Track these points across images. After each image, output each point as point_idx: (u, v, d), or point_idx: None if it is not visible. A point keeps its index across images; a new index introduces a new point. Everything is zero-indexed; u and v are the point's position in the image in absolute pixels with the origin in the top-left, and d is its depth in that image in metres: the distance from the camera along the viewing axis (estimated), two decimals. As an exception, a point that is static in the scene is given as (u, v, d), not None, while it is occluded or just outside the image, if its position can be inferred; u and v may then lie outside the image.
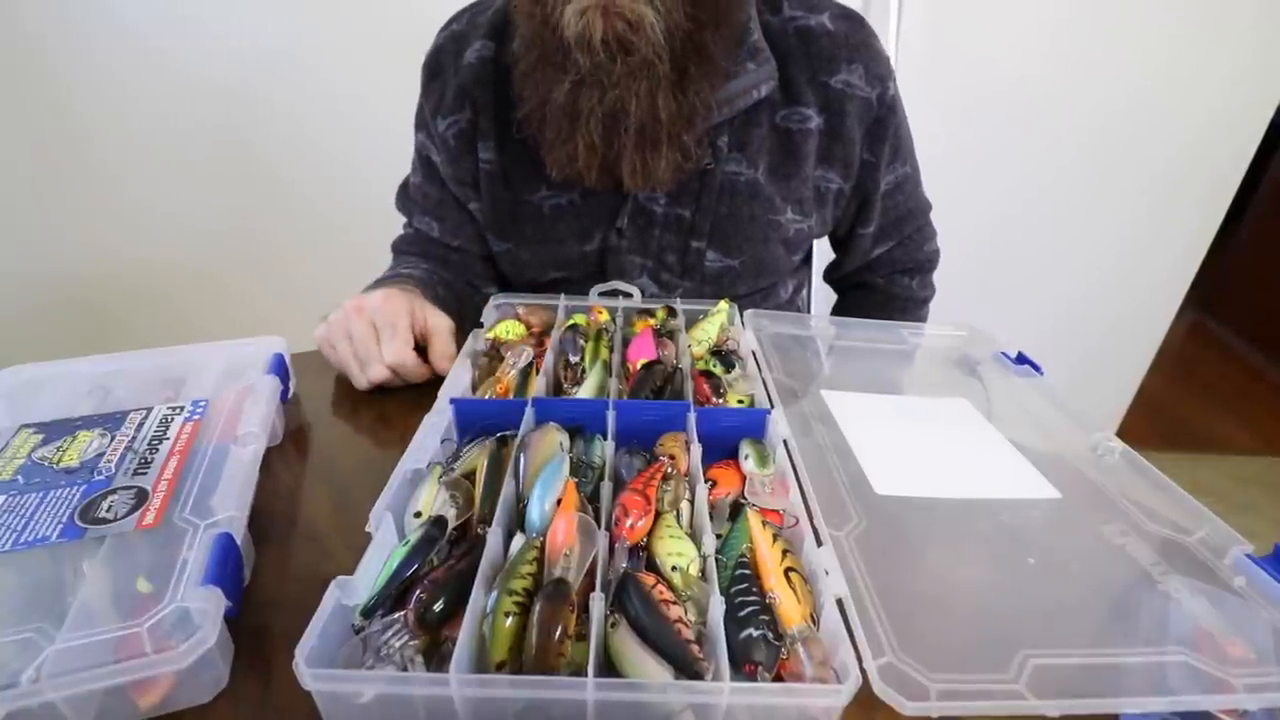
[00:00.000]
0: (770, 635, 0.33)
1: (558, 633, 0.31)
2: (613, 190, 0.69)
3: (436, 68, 0.74)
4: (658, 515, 0.40)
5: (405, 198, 0.82)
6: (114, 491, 0.41)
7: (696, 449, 0.44)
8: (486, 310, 0.64)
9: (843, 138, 0.71)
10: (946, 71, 1.30)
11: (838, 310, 0.93)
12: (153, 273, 1.42)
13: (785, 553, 0.38)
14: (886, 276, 0.86)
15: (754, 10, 0.68)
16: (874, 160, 0.74)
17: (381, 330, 0.59)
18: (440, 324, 0.63)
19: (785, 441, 0.46)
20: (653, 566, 0.38)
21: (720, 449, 0.49)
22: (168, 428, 0.47)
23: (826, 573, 0.36)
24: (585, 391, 0.52)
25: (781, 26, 0.70)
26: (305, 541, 0.45)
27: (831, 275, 0.91)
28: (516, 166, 0.72)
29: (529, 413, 0.47)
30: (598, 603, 0.33)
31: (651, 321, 0.63)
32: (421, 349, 0.62)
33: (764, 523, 0.40)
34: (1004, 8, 1.28)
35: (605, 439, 0.46)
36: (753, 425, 0.50)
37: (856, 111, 0.70)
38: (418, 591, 0.34)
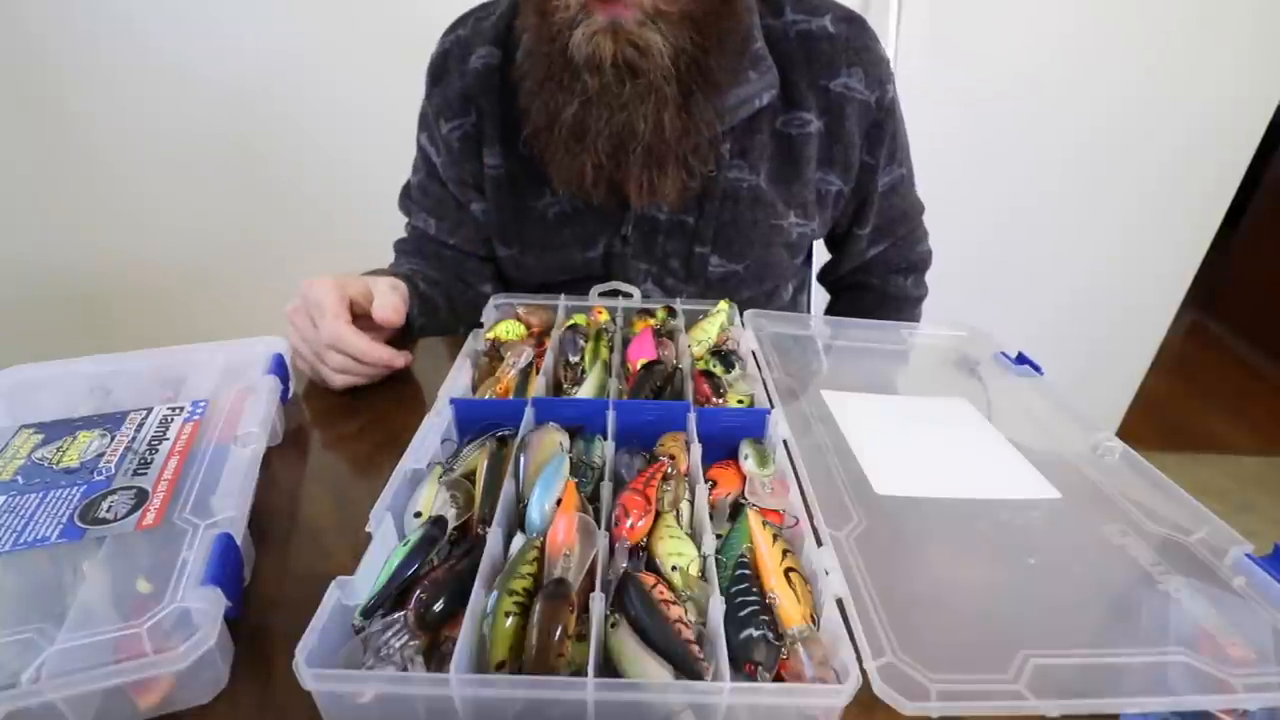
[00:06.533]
0: (770, 635, 0.33)
1: (558, 633, 0.31)
2: (618, 201, 0.69)
3: (441, 71, 0.74)
4: (658, 515, 0.40)
5: (406, 198, 0.82)
6: (114, 492, 0.41)
7: (696, 449, 0.44)
8: (486, 310, 0.64)
9: (843, 140, 0.72)
10: (946, 71, 1.30)
11: (832, 311, 0.93)
12: (153, 272, 1.42)
13: (785, 553, 0.38)
14: (882, 277, 0.86)
15: (755, 16, 0.68)
16: (873, 162, 0.74)
17: (313, 316, 0.58)
18: (375, 282, 0.62)
19: (785, 441, 0.46)
20: (653, 566, 0.38)
21: (720, 449, 0.49)
22: (168, 428, 0.47)
23: (826, 573, 0.36)
24: (585, 391, 0.52)
25: (783, 30, 0.70)
26: (305, 541, 0.45)
27: (827, 277, 0.91)
28: (522, 173, 0.72)
29: (529, 413, 0.47)
30: (598, 603, 0.33)
31: (651, 321, 0.63)
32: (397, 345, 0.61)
33: (764, 523, 0.40)
34: (1004, 8, 1.28)
35: (605, 439, 0.46)
36: (753, 425, 0.50)
37: (856, 114, 0.71)
38: (418, 591, 0.34)
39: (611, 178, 0.65)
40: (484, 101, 0.71)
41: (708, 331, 0.61)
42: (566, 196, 0.71)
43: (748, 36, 0.67)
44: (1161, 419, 2.11)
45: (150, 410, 0.49)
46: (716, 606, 0.33)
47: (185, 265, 1.42)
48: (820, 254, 0.91)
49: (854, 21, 0.71)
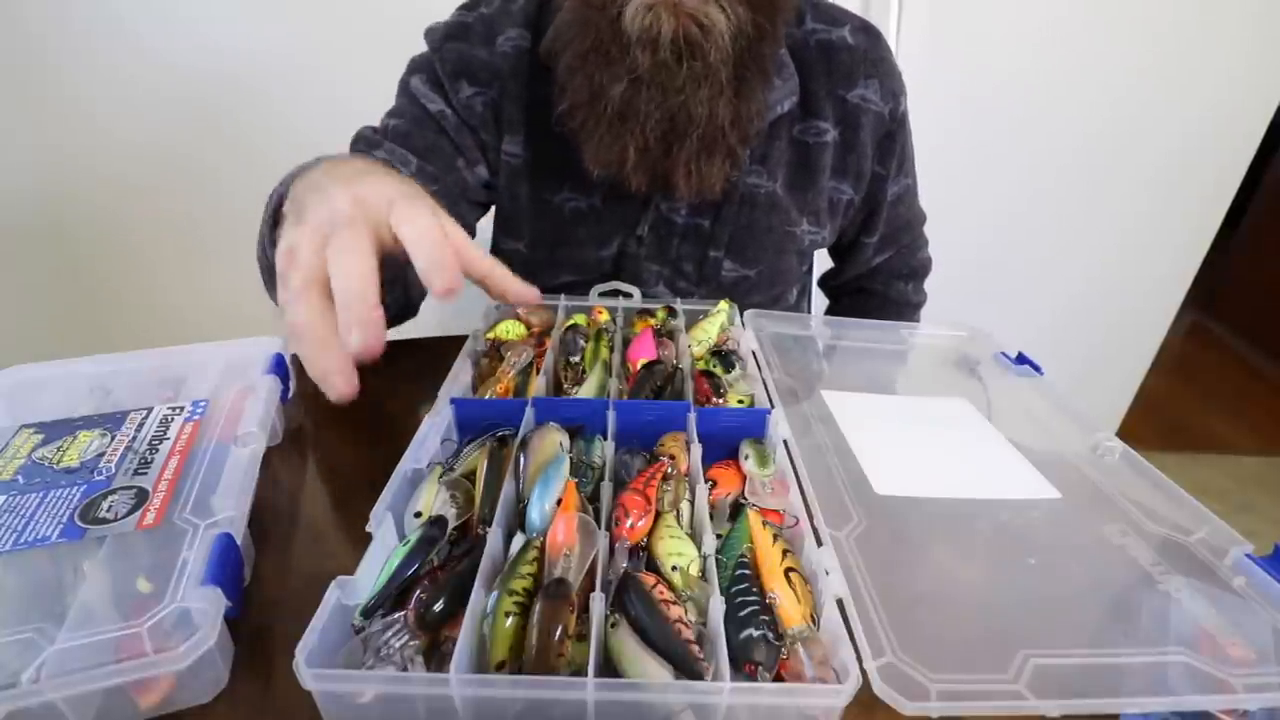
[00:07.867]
0: (770, 635, 0.33)
1: (558, 633, 0.31)
2: (638, 197, 0.68)
3: (460, 33, 0.69)
4: (658, 515, 0.40)
5: (368, 137, 0.69)
6: (114, 491, 0.41)
7: (696, 449, 0.44)
8: (486, 310, 0.64)
9: (856, 150, 0.72)
10: (946, 72, 1.30)
11: (833, 315, 0.93)
12: (153, 272, 1.42)
13: (785, 553, 0.38)
14: (884, 282, 0.87)
15: None
16: (883, 173, 0.75)
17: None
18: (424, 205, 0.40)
19: (785, 441, 0.46)
20: (653, 566, 0.38)
21: (720, 449, 0.49)
22: (168, 428, 0.47)
23: (826, 573, 0.36)
24: (585, 391, 0.52)
25: (804, 39, 0.70)
26: (305, 541, 0.45)
27: (829, 282, 0.92)
28: (541, 165, 0.70)
29: (529, 413, 0.47)
30: (598, 603, 0.33)
31: (651, 321, 0.63)
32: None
33: (764, 523, 0.40)
34: (1004, 8, 1.28)
35: (605, 439, 0.46)
36: (753, 425, 0.50)
37: (870, 125, 0.71)
38: (418, 591, 0.34)
39: (655, 164, 0.61)
40: (512, 83, 0.68)
41: (708, 331, 0.61)
42: (584, 194, 0.70)
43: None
44: (1161, 419, 2.11)
45: (150, 410, 0.49)
46: (716, 606, 0.33)
47: (185, 265, 1.42)
48: (821, 259, 0.91)
49: (870, 32, 0.72)
